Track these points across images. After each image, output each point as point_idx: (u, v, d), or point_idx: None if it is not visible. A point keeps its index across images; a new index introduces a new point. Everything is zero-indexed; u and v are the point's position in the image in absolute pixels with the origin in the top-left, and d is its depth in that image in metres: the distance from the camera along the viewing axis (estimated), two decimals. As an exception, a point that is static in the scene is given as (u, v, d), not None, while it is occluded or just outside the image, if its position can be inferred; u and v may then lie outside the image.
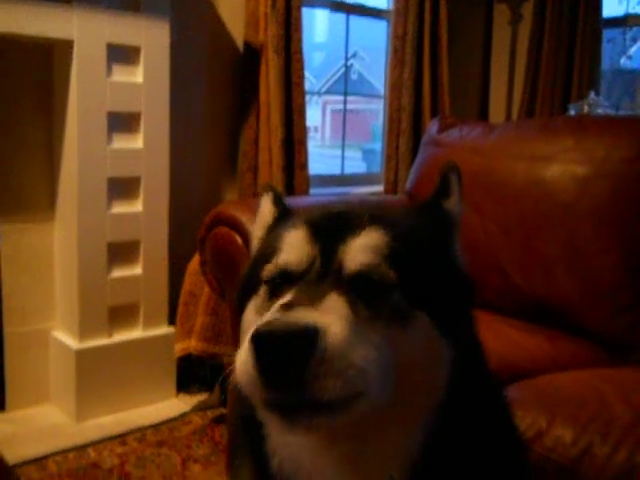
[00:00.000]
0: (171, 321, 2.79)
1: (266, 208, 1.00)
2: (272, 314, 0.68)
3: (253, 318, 0.83)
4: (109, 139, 2.55)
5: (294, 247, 0.81)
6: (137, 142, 2.63)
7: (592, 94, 3.37)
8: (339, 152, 4.09)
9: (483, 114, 4.43)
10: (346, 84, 4.06)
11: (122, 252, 2.65)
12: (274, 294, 0.80)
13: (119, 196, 2.62)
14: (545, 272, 1.95)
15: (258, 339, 0.65)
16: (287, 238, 0.83)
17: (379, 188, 3.91)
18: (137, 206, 2.67)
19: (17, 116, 2.53)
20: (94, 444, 2.37)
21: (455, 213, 0.93)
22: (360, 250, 0.78)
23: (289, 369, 0.65)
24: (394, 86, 3.81)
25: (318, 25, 5.70)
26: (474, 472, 0.85)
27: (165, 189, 2.72)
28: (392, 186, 3.83)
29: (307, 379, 0.65)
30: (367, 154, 4.79)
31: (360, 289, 0.75)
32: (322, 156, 4.94)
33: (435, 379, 0.79)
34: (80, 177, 2.50)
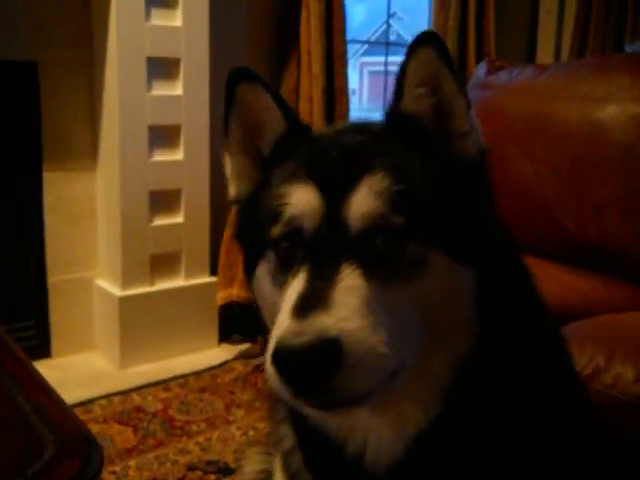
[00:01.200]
0: (213, 271, 2.78)
1: (266, 105, 0.88)
2: (287, 324, 0.66)
3: (269, 289, 0.80)
4: (149, 86, 2.52)
5: (300, 205, 0.76)
6: (177, 89, 2.60)
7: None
8: (377, 114, 4.00)
9: (530, 58, 4.27)
10: (388, 34, 3.95)
11: (164, 201, 2.64)
12: (286, 262, 0.77)
13: (160, 144, 2.60)
14: (598, 217, 1.88)
15: (278, 360, 0.65)
16: (293, 192, 0.77)
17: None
18: (178, 154, 2.65)
19: (56, 60, 2.50)
20: (138, 389, 2.39)
21: (418, 110, 0.81)
22: (362, 202, 0.73)
23: (314, 381, 0.65)
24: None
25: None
26: (525, 405, 0.81)
27: (205, 137, 2.68)
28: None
29: (334, 385, 0.64)
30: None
31: (371, 245, 0.72)
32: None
33: (457, 308, 0.75)
34: (121, 124, 2.48)
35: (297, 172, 0.79)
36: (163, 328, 2.65)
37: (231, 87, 0.88)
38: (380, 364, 0.67)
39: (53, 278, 2.64)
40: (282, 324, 0.66)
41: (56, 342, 2.67)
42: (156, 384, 2.43)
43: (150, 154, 2.57)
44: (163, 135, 2.60)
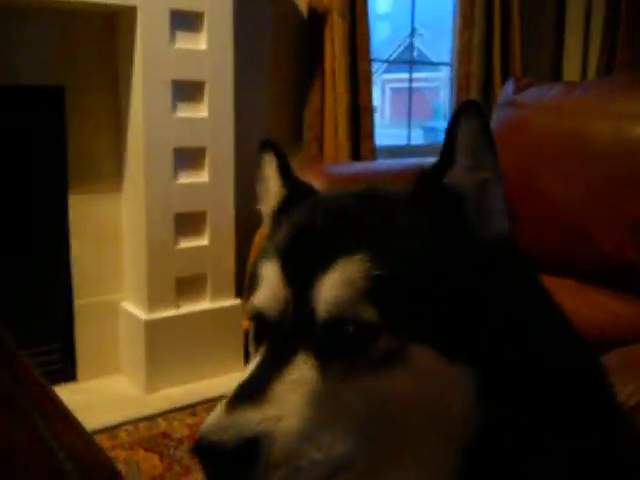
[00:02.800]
0: (239, 293, 2.76)
1: (270, 175, 0.85)
2: (216, 414, 0.62)
3: (252, 349, 0.76)
4: (174, 108, 2.52)
5: (267, 289, 0.71)
6: (202, 111, 2.60)
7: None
8: (400, 131, 3.99)
9: (556, 76, 4.22)
10: (412, 51, 3.94)
11: (189, 223, 2.63)
12: (257, 336, 0.73)
13: (185, 166, 2.60)
14: (635, 235, 1.82)
15: (197, 451, 0.62)
16: (263, 273, 0.72)
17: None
18: (203, 176, 2.64)
19: (82, 84, 2.52)
20: (164, 414, 2.37)
21: (465, 184, 0.72)
22: (329, 290, 0.66)
23: (238, 469, 0.61)
24: (462, 52, 3.67)
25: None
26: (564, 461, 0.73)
27: (230, 159, 2.67)
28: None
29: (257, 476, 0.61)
30: (428, 132, 4.67)
31: (335, 338, 0.65)
32: (383, 136, 4.87)
33: (447, 408, 0.67)
34: (146, 147, 2.48)
35: (269, 250, 0.74)
36: (189, 351, 2.63)
37: (258, 156, 0.87)
38: (311, 467, 0.62)
39: (79, 301, 2.63)
40: (215, 411, 0.63)
41: (82, 365, 2.66)
42: (182, 409, 2.41)
43: (175, 176, 2.57)
44: (188, 157, 2.60)
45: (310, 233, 0.72)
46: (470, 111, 0.70)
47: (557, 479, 0.74)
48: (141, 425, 2.29)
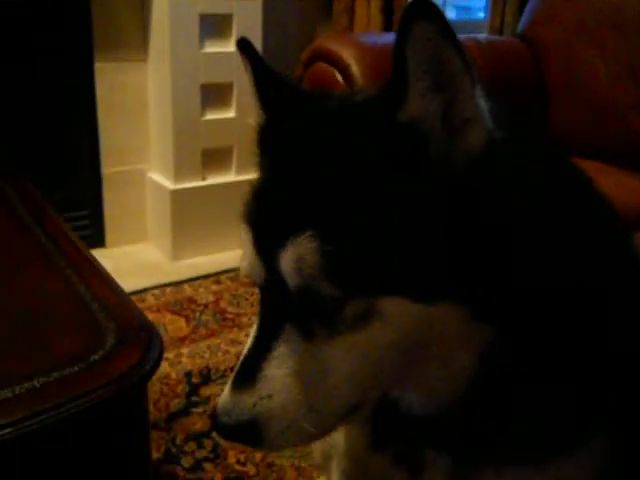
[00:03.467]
0: (263, 167, 2.76)
1: (250, 85, 0.81)
2: (224, 396, 0.70)
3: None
4: (201, -28, 2.42)
5: (247, 259, 0.73)
6: (229, -26, 2.49)
7: None
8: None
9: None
10: None
11: (215, 94, 2.59)
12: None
13: (212, 34, 2.53)
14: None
15: (216, 430, 0.72)
16: (242, 236, 0.73)
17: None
18: (229, 46, 2.56)
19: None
20: (189, 281, 2.44)
21: (425, 115, 0.63)
22: (288, 267, 0.66)
23: (247, 442, 0.72)
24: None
25: None
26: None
27: (258, 27, 2.59)
28: (498, 34, 3.54)
29: (266, 446, 0.71)
30: (461, 11, 4.44)
31: (309, 306, 0.67)
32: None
33: (450, 346, 0.69)
34: (171, 14, 2.41)
35: (244, 214, 0.74)
36: (214, 222, 2.66)
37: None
38: (302, 434, 0.70)
39: (107, 170, 2.65)
40: (224, 391, 0.71)
41: (110, 232, 2.72)
42: (207, 277, 2.48)
43: (201, 46, 2.50)
44: (214, 26, 2.52)
45: (271, 200, 0.71)
46: (416, 17, 0.58)
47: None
48: (168, 290, 2.37)
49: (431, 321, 0.66)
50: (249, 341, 0.72)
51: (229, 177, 2.71)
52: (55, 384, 0.79)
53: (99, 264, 1.15)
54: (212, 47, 2.53)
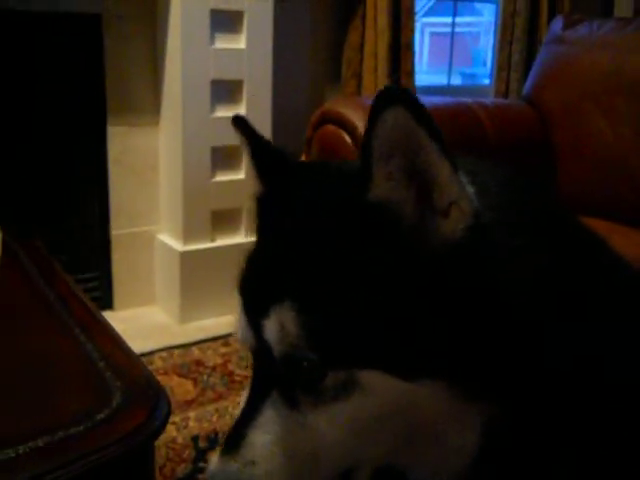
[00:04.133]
0: (272, 229, 2.76)
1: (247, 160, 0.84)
2: (215, 462, 0.69)
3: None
4: (212, 39, 2.49)
5: (237, 325, 0.75)
6: (240, 42, 2.56)
7: None
8: (438, 77, 3.91)
9: (606, 14, 4.05)
10: (456, -12, 3.80)
11: (225, 157, 2.62)
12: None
13: (222, 100, 2.58)
14: (683, 180, 1.77)
15: None
16: (237, 301, 0.76)
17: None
18: (240, 110, 2.61)
19: (120, 12, 2.49)
20: (198, 343, 2.42)
21: (393, 196, 0.63)
22: (272, 334, 0.66)
23: None
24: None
25: None
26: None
27: (268, 93, 2.65)
28: (503, 98, 3.61)
29: None
30: (467, 78, 4.56)
31: (294, 374, 0.67)
32: (421, 81, 4.78)
33: (437, 429, 0.67)
34: (184, 79, 2.47)
35: (238, 281, 0.77)
36: (223, 284, 2.62)
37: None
38: None
39: (116, 231, 2.67)
40: (216, 457, 0.70)
41: (118, 295, 2.72)
42: (215, 339, 2.45)
43: (212, 109, 2.55)
44: (225, 90, 2.58)
45: (256, 269, 0.74)
46: (388, 102, 0.58)
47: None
48: (175, 353, 2.34)
49: (416, 399, 0.64)
50: (241, 405, 0.71)
51: (238, 239, 2.71)
52: (60, 443, 0.76)
53: (108, 323, 1.14)
54: (223, 111, 2.58)
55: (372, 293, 0.63)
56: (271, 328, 0.66)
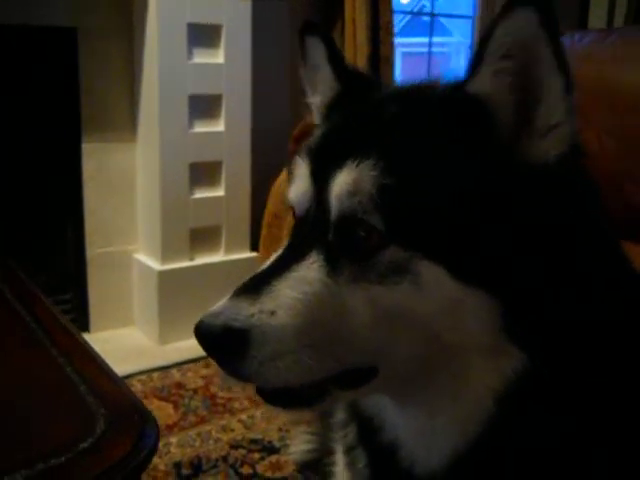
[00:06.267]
0: (253, 247, 2.71)
1: (320, 64, 0.82)
2: (220, 302, 0.64)
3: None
4: (190, 53, 2.44)
5: (297, 186, 0.72)
6: (218, 57, 2.52)
7: None
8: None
9: (581, 25, 4.08)
10: (433, 5, 3.82)
11: (204, 173, 2.57)
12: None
13: (201, 115, 2.53)
14: (670, 191, 1.76)
15: (197, 333, 0.63)
16: (296, 170, 0.73)
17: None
18: (219, 126, 2.57)
19: (96, 26, 2.43)
20: (177, 365, 2.34)
21: (493, 91, 0.64)
22: (338, 190, 0.65)
23: (222, 361, 0.64)
24: (485, 3, 3.56)
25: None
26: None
27: (247, 108, 2.60)
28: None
29: (244, 371, 0.62)
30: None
31: (346, 240, 0.65)
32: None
33: (465, 331, 0.64)
34: (161, 93, 2.41)
35: (305, 149, 0.74)
36: (202, 303, 2.55)
37: (300, 41, 0.84)
38: (296, 367, 0.62)
39: (92, 251, 2.59)
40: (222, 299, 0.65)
41: (94, 317, 2.64)
42: (196, 360, 2.37)
43: (190, 125, 2.50)
44: (204, 105, 2.53)
45: (337, 135, 0.72)
46: (520, 3, 0.59)
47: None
48: (155, 375, 2.26)
49: (461, 306, 0.62)
50: (265, 264, 0.67)
51: (218, 257, 2.65)
52: (39, 478, 0.70)
53: (88, 345, 1.07)
54: (201, 127, 2.53)
55: (454, 181, 0.62)
56: (343, 182, 0.64)
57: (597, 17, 3.99)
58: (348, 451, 0.88)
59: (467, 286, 0.62)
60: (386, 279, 0.63)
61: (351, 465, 0.87)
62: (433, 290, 0.62)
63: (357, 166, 0.64)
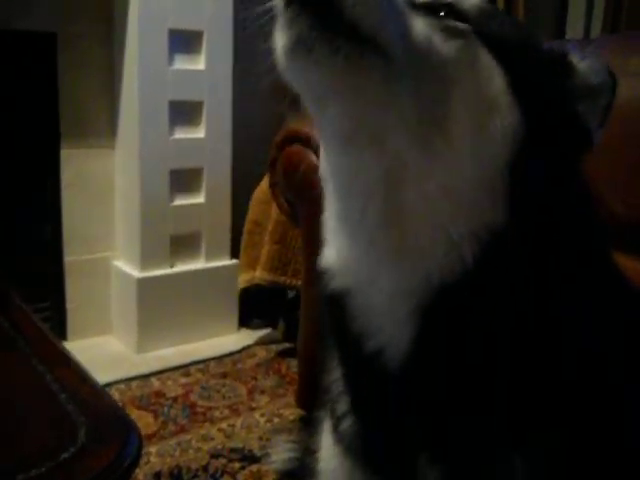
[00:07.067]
0: (234, 254, 2.69)
1: None
2: None
3: None
4: (170, 59, 2.43)
5: None
6: (199, 63, 2.51)
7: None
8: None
9: (559, 36, 4.14)
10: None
11: (184, 180, 2.55)
12: None
13: (181, 121, 2.51)
14: (649, 199, 1.77)
15: None
16: None
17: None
18: (200, 132, 2.56)
19: (76, 32, 2.41)
20: (157, 374, 2.32)
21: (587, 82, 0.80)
22: None
23: None
24: None
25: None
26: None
27: (228, 114, 2.59)
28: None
29: None
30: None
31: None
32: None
33: (487, 135, 0.68)
34: (141, 100, 2.39)
35: None
36: (182, 311, 2.56)
37: None
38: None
39: (70, 258, 2.55)
40: None
41: (72, 325, 2.59)
42: (175, 369, 2.35)
43: (171, 131, 2.48)
44: (184, 111, 2.51)
45: None
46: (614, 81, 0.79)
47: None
48: (133, 384, 2.23)
49: (499, 92, 0.70)
50: None
51: (198, 264, 2.63)
52: (19, 488, 0.68)
53: (69, 353, 1.05)
54: (182, 133, 2.52)
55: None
56: None
57: (575, 27, 4.05)
58: (337, 423, 0.87)
59: (508, 87, 0.70)
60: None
61: (337, 435, 0.87)
62: (479, 61, 0.70)
63: None
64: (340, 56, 0.61)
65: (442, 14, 0.71)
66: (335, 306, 0.79)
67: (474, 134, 0.68)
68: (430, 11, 0.71)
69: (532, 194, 0.69)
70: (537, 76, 0.74)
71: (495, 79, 0.70)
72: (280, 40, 0.64)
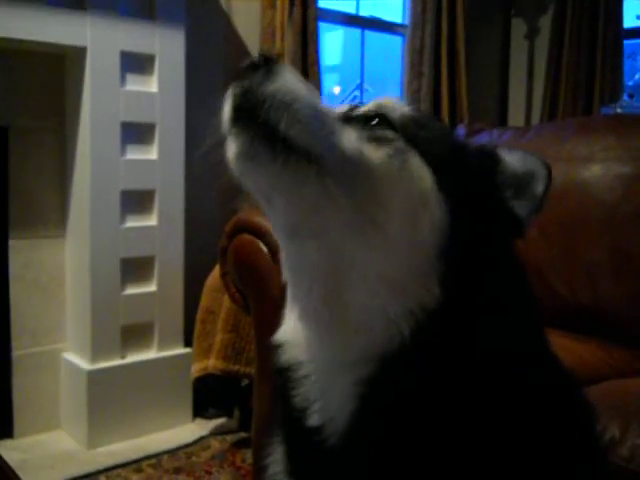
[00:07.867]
0: (187, 343, 2.66)
1: None
2: None
3: None
4: (123, 150, 2.46)
5: None
6: (151, 153, 2.54)
7: (625, 96, 3.29)
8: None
9: (501, 123, 4.35)
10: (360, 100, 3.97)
11: (136, 268, 2.54)
12: None
13: (133, 210, 2.52)
14: (590, 280, 1.82)
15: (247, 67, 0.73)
16: None
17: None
18: (152, 220, 2.56)
19: (27, 125, 2.43)
20: (107, 471, 2.23)
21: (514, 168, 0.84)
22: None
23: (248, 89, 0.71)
24: (411, 100, 3.73)
25: (329, 47, 5.68)
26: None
27: (180, 203, 2.61)
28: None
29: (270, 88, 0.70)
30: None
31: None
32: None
33: (418, 227, 0.73)
34: (93, 189, 2.40)
35: None
36: (134, 404, 2.50)
37: None
38: (300, 107, 0.69)
39: (18, 352, 2.49)
40: None
41: (19, 421, 2.50)
42: (126, 464, 2.27)
43: (122, 220, 2.49)
44: (136, 200, 2.52)
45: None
46: (549, 173, 0.84)
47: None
48: (82, 483, 2.14)
49: (428, 192, 0.75)
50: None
51: (150, 354, 2.58)
52: None
53: (7, 466, 1.02)
54: (134, 221, 2.52)
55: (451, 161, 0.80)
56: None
57: (516, 116, 4.26)
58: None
59: (435, 184, 0.75)
60: (381, 143, 0.76)
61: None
62: (410, 171, 0.75)
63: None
64: (279, 162, 0.69)
65: (374, 123, 0.78)
66: (282, 379, 0.82)
67: (406, 228, 0.74)
68: (364, 120, 0.79)
69: (461, 276, 0.74)
70: (463, 172, 0.79)
71: (424, 179, 0.76)
72: (231, 147, 0.73)
